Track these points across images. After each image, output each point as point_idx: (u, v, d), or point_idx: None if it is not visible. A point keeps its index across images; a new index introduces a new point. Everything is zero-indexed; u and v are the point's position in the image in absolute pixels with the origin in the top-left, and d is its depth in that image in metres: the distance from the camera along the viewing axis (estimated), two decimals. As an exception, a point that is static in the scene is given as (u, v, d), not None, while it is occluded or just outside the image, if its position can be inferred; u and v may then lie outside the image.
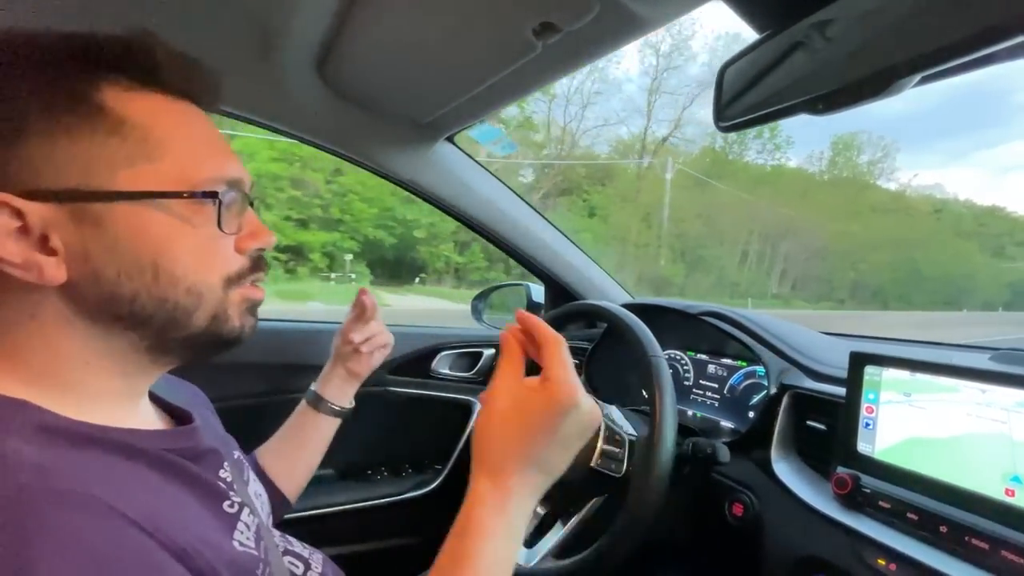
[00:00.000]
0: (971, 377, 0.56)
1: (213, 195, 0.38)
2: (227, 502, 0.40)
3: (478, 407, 1.14)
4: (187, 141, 0.38)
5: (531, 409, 0.41)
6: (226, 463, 0.44)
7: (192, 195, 0.37)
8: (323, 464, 0.75)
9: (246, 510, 0.41)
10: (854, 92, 0.43)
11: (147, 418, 0.42)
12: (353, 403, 0.77)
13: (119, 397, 0.39)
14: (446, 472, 1.14)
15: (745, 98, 0.51)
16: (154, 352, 0.39)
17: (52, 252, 0.34)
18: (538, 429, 0.41)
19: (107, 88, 0.35)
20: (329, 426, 0.74)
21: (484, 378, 1.21)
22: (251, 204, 0.43)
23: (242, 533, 0.40)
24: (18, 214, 0.33)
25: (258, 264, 0.43)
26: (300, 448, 0.72)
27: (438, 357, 1.19)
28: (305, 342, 1.06)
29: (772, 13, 0.49)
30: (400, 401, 1.15)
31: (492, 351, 1.24)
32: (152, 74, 0.37)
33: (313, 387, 0.76)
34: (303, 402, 0.75)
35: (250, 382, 0.98)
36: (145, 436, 0.38)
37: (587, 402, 0.42)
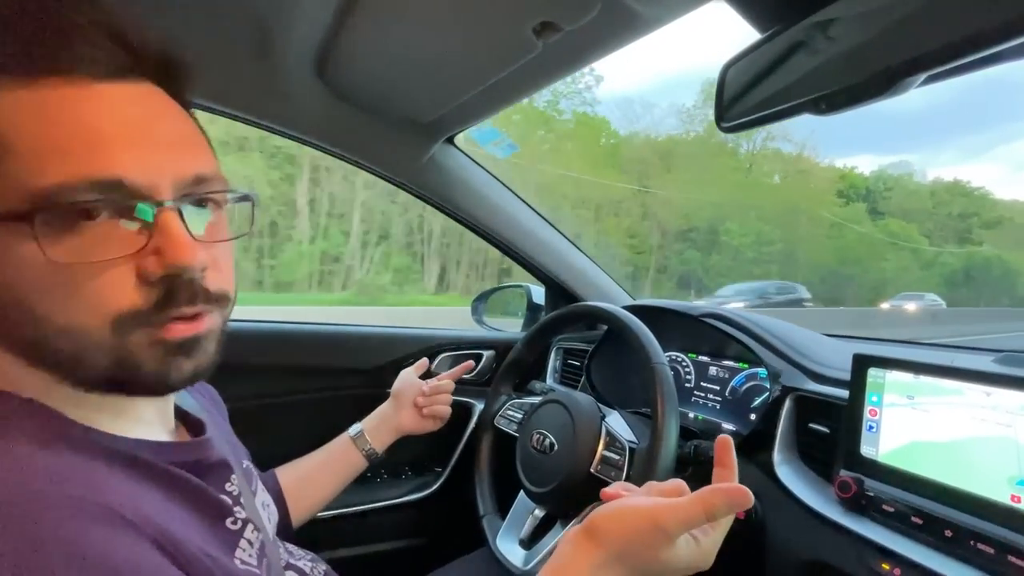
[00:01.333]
0: (975, 380, 0.56)
1: (23, 217, 0.28)
2: (231, 519, 0.39)
3: (478, 417, 1.14)
4: (34, 138, 0.29)
5: (663, 558, 0.39)
6: (234, 475, 0.43)
7: (16, 215, 0.28)
8: None
9: (250, 527, 0.40)
10: (857, 92, 0.43)
11: (158, 428, 0.40)
12: (384, 454, 0.77)
13: (126, 409, 0.37)
14: (446, 475, 1.13)
15: (747, 98, 0.51)
16: (92, 389, 0.34)
17: None
18: (650, 570, 0.39)
19: None
20: (358, 465, 0.74)
21: (485, 379, 1.21)
22: (180, 212, 0.33)
23: (244, 551, 0.39)
24: None
25: (168, 298, 0.32)
26: (325, 476, 0.72)
27: (439, 359, 1.19)
28: (320, 345, 1.06)
29: (774, 12, 0.49)
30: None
31: (492, 353, 1.23)
32: (23, 61, 0.30)
33: (360, 425, 0.77)
34: (345, 435, 0.75)
35: (263, 384, 0.98)
36: (152, 448, 0.36)
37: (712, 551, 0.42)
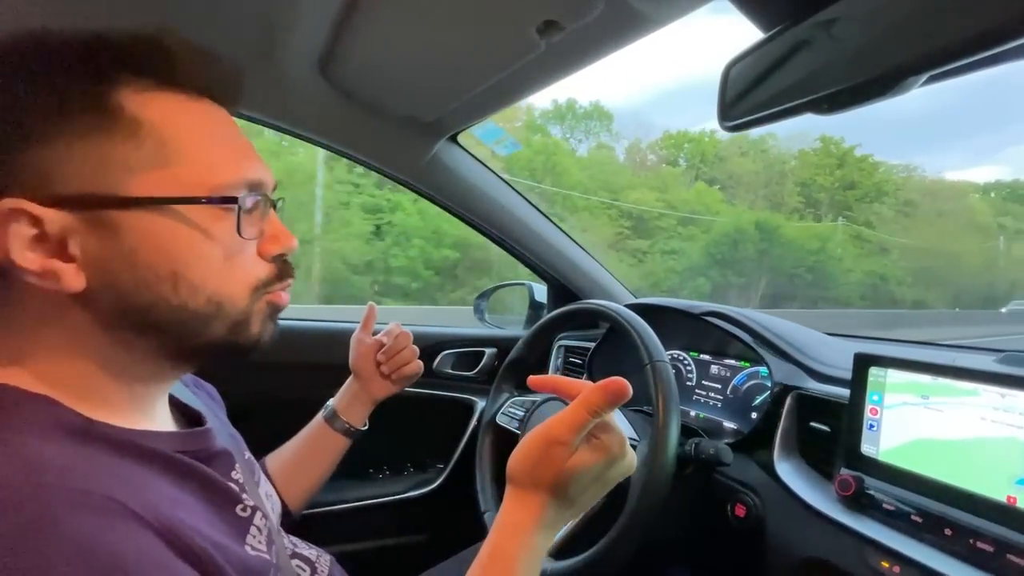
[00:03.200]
0: (977, 379, 0.56)
1: (232, 200, 0.37)
2: (240, 506, 0.40)
3: (480, 415, 1.14)
4: (205, 143, 0.37)
5: (587, 470, 0.41)
6: (237, 464, 0.44)
7: (210, 200, 0.36)
8: None
9: (258, 514, 0.41)
10: (860, 91, 0.43)
11: (162, 420, 0.42)
12: (367, 424, 0.74)
13: (136, 401, 0.39)
14: (448, 471, 1.14)
15: (749, 97, 0.51)
16: (172, 359, 0.39)
17: (70, 259, 0.33)
18: (585, 484, 0.42)
19: (123, 90, 0.34)
20: (340, 444, 0.72)
21: (486, 377, 1.21)
22: (274, 206, 0.42)
23: (254, 537, 0.39)
24: (35, 221, 0.32)
25: (284, 270, 0.42)
26: (309, 461, 0.70)
27: (440, 356, 1.19)
28: (322, 341, 1.07)
29: (777, 12, 0.49)
30: (402, 400, 1.15)
31: (494, 350, 1.24)
32: (169, 73, 0.36)
33: (331, 402, 0.74)
34: (319, 415, 0.73)
35: (265, 381, 0.98)
36: (159, 438, 0.37)
37: (631, 452, 0.45)
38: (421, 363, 0.76)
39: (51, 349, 0.35)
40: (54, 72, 0.33)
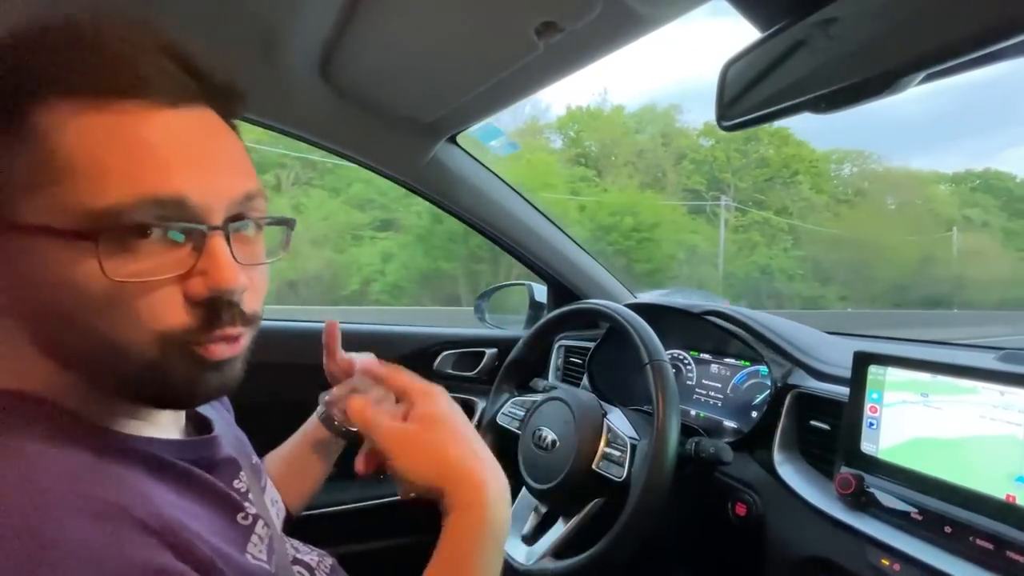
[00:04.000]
0: (978, 377, 0.56)
1: (93, 235, 0.29)
2: (241, 514, 0.39)
3: (480, 416, 1.14)
4: (100, 154, 0.29)
5: (435, 417, 0.44)
6: (242, 472, 0.43)
7: (62, 235, 0.29)
8: None
9: (260, 522, 0.41)
10: (857, 90, 0.43)
11: (166, 426, 0.40)
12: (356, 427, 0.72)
13: (139, 408, 0.37)
14: None
15: (748, 97, 0.51)
16: (112, 398, 0.35)
17: None
18: (454, 430, 0.45)
19: (46, 101, 0.30)
20: (336, 444, 0.68)
21: (487, 378, 1.21)
22: (227, 235, 0.33)
23: (255, 546, 0.39)
24: None
25: (212, 318, 0.33)
26: (305, 461, 0.68)
27: (441, 356, 1.19)
28: (320, 343, 1.06)
29: (774, 11, 0.49)
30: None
31: (494, 351, 1.24)
32: (65, 74, 0.30)
33: (326, 394, 0.69)
34: (313, 415, 0.70)
35: (270, 382, 0.98)
36: (163, 445, 0.37)
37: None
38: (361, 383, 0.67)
39: (42, 362, 0.33)
40: None
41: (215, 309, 0.33)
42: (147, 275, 0.31)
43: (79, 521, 0.27)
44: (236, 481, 0.42)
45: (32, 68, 0.30)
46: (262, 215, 0.37)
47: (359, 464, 0.51)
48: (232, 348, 0.35)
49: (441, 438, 0.44)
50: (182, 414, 0.44)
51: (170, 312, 0.32)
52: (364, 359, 0.59)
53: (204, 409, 0.47)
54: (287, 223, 0.40)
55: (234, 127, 0.38)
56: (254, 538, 0.39)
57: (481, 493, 0.42)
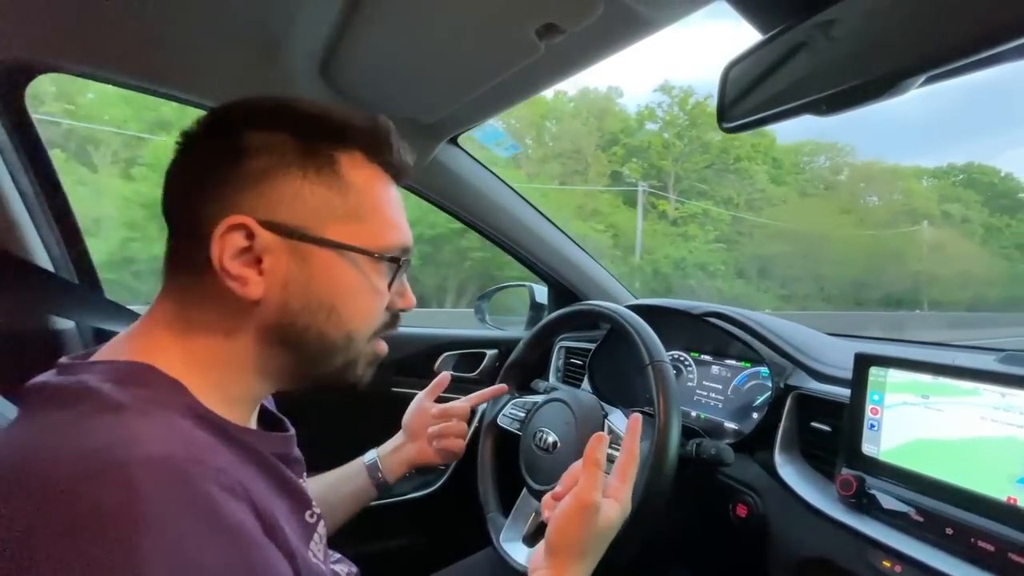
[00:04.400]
0: (979, 379, 0.56)
1: (395, 260, 0.45)
2: (309, 511, 0.43)
3: (481, 417, 1.15)
4: (385, 210, 0.45)
5: (613, 526, 0.53)
6: (304, 472, 0.48)
7: (381, 257, 0.43)
8: (325, 464, 0.75)
9: (322, 522, 0.44)
10: (859, 93, 0.43)
11: (254, 422, 0.46)
12: (394, 482, 0.76)
13: (246, 401, 0.43)
14: (449, 473, 1.14)
15: (749, 99, 0.51)
16: (294, 375, 0.44)
17: (261, 272, 0.39)
18: (601, 540, 0.52)
19: (346, 156, 0.42)
20: (370, 493, 0.74)
21: (488, 379, 1.21)
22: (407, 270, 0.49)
23: (316, 544, 0.42)
24: (250, 235, 0.39)
25: (394, 322, 0.49)
26: (338, 499, 0.71)
27: (442, 358, 1.19)
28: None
29: (776, 13, 0.49)
30: (403, 401, 1.15)
31: (495, 352, 1.24)
32: (380, 154, 0.45)
33: (375, 452, 0.76)
34: (360, 462, 0.75)
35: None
36: (257, 437, 0.42)
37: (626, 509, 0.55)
38: (463, 444, 0.79)
39: (209, 336, 0.40)
40: (305, 130, 0.41)
41: (396, 317, 0.49)
42: (393, 292, 0.46)
43: (220, 491, 0.31)
44: (302, 481, 0.46)
45: (354, 126, 0.43)
46: None
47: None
48: (386, 348, 0.49)
49: (601, 541, 0.52)
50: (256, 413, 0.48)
51: (382, 315, 0.46)
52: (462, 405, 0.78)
53: (273, 408, 0.52)
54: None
55: None
56: (316, 536, 0.43)
57: None
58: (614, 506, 0.52)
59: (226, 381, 0.41)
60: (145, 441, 0.31)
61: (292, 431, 0.49)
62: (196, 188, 0.40)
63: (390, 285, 0.45)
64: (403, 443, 0.76)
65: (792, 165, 24.49)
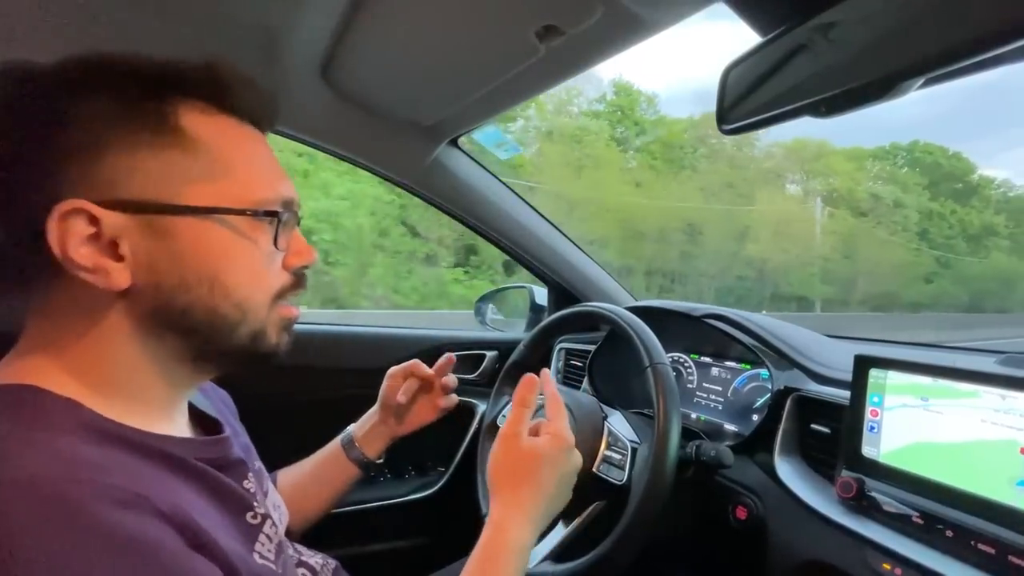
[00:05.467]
0: (979, 381, 0.56)
1: (274, 214, 0.40)
2: (251, 513, 0.41)
3: (481, 418, 1.15)
4: (250, 162, 0.40)
5: (543, 454, 0.53)
6: (250, 473, 0.45)
7: (255, 213, 0.39)
8: None
9: (268, 522, 0.42)
10: (858, 95, 0.43)
11: (181, 426, 0.43)
12: (382, 458, 0.73)
13: (160, 404, 0.40)
14: (449, 474, 1.14)
15: (748, 101, 0.51)
16: (197, 362, 0.41)
17: (119, 258, 0.35)
18: (548, 470, 0.53)
19: (184, 110, 0.38)
20: (352, 473, 0.70)
21: (487, 380, 1.21)
22: (298, 223, 0.45)
23: (263, 545, 0.40)
24: (93, 220, 0.34)
25: (299, 281, 0.45)
26: (318, 484, 0.69)
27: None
28: (323, 346, 1.07)
29: (775, 16, 0.49)
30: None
31: (495, 353, 1.24)
32: (225, 99, 0.40)
33: (351, 428, 0.72)
34: (336, 440, 0.71)
35: (268, 384, 0.98)
36: (179, 444, 0.39)
37: (576, 452, 0.57)
38: (432, 409, 0.74)
39: (86, 344, 0.37)
40: (123, 91, 0.36)
41: (300, 276, 0.45)
42: (284, 248, 0.42)
43: (113, 510, 0.29)
44: (245, 482, 0.43)
45: (185, 73, 0.38)
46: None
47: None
48: (299, 310, 0.45)
49: (531, 468, 0.52)
50: (187, 414, 0.45)
51: (280, 276, 0.43)
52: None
53: (210, 411, 0.49)
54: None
55: None
56: (262, 537, 0.41)
57: (508, 539, 0.49)
58: (548, 439, 0.54)
59: (126, 387, 0.38)
60: (12, 466, 0.29)
61: (225, 433, 0.46)
62: (18, 175, 0.34)
63: (276, 242, 0.41)
64: (379, 416, 0.72)
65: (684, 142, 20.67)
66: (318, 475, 0.69)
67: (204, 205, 0.37)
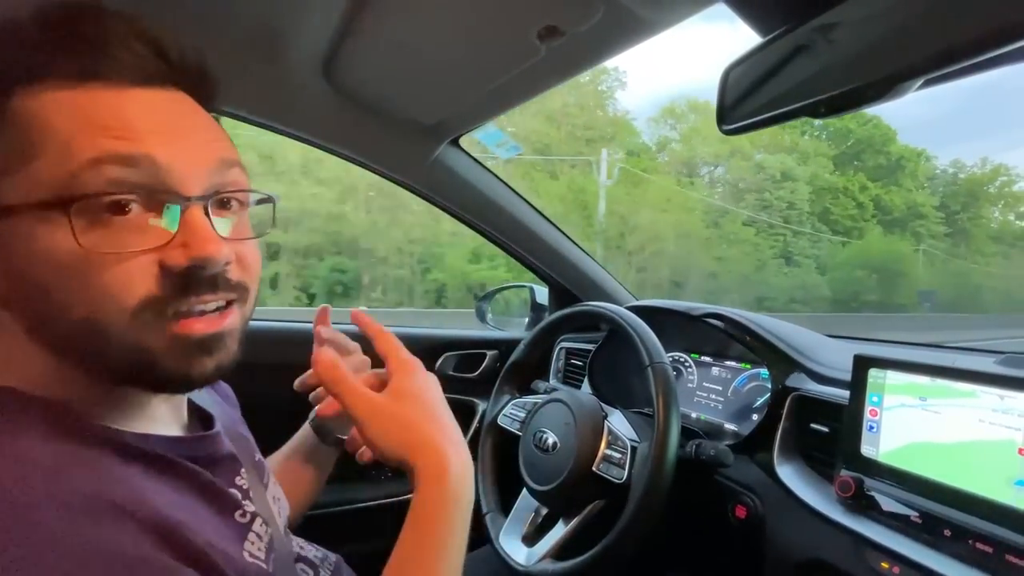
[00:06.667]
0: (979, 381, 0.56)
1: (68, 202, 0.29)
2: (239, 511, 0.39)
3: (481, 417, 1.15)
4: (69, 124, 0.30)
5: (407, 392, 0.43)
6: (243, 469, 0.43)
7: (42, 206, 0.30)
8: None
9: (259, 520, 0.41)
10: (857, 96, 0.43)
11: (165, 422, 0.41)
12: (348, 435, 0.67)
13: (136, 403, 0.37)
14: None
15: (748, 101, 0.51)
16: (99, 381, 0.35)
17: None
18: (424, 405, 0.43)
19: (30, 92, 0.31)
20: (330, 451, 0.66)
21: (488, 379, 1.21)
22: (206, 208, 0.34)
23: (253, 544, 0.39)
24: None
25: (188, 286, 0.33)
26: (301, 467, 0.66)
27: (442, 358, 1.19)
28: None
29: (776, 16, 0.49)
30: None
31: (495, 352, 1.24)
32: (78, 70, 0.31)
33: (316, 409, 0.66)
34: (307, 423, 0.67)
35: (270, 382, 0.98)
36: (161, 442, 0.37)
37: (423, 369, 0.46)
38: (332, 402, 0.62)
39: (38, 354, 0.33)
40: None
41: (189, 278, 0.33)
42: (120, 247, 0.31)
43: (71, 519, 0.27)
44: (238, 478, 0.42)
45: (8, 57, 0.31)
46: (242, 188, 0.38)
47: (362, 452, 0.55)
48: (213, 323, 0.34)
49: (410, 412, 0.43)
50: (183, 410, 0.44)
51: (140, 282, 0.31)
52: (357, 311, 0.55)
53: (207, 404, 0.47)
54: (269, 200, 0.41)
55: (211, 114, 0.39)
56: (251, 536, 0.39)
57: (444, 468, 0.41)
58: (394, 371, 0.45)
59: (86, 389, 0.34)
60: None
61: (217, 429, 0.43)
62: None
63: (77, 237, 0.30)
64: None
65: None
66: (298, 458, 0.66)
67: (7, 202, 0.30)
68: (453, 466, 0.41)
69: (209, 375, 0.35)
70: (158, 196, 0.32)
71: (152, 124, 0.32)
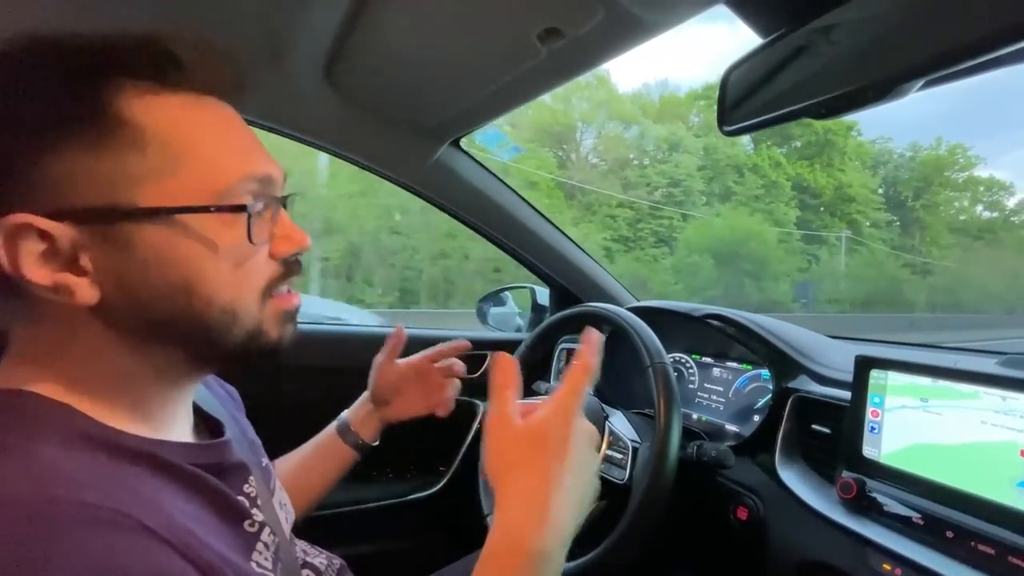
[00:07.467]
0: (980, 382, 0.56)
1: (241, 208, 0.35)
2: (248, 521, 0.39)
3: (481, 418, 1.15)
4: (209, 143, 0.35)
5: (544, 432, 0.40)
6: (252, 476, 0.43)
7: (219, 209, 0.34)
8: None
9: (267, 530, 0.41)
10: (857, 96, 0.43)
11: (180, 429, 0.41)
12: (378, 441, 0.72)
13: (157, 409, 0.38)
14: (451, 474, 1.14)
15: (749, 102, 0.51)
16: (193, 364, 0.39)
17: (83, 272, 0.32)
18: (555, 450, 0.40)
19: (123, 95, 0.33)
20: (349, 457, 0.69)
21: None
22: (284, 204, 0.40)
23: (260, 554, 0.39)
24: (44, 236, 0.31)
25: (291, 268, 0.41)
26: (316, 471, 0.68)
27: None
28: (324, 345, 1.07)
29: (776, 18, 0.50)
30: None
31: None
32: (171, 75, 0.35)
33: (345, 414, 0.72)
34: (331, 426, 0.70)
35: (283, 382, 0.98)
36: (174, 449, 0.37)
37: (592, 427, 0.43)
38: (449, 398, 0.75)
39: (73, 356, 0.34)
40: (52, 80, 0.32)
41: (292, 262, 0.41)
42: (265, 239, 0.38)
43: (89, 529, 0.27)
44: (246, 486, 0.42)
45: (131, 64, 0.34)
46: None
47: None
48: (297, 297, 0.42)
49: (527, 455, 0.40)
50: (191, 414, 0.44)
51: (265, 269, 0.39)
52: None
53: (215, 409, 0.48)
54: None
55: None
56: (259, 546, 0.39)
57: (520, 546, 0.38)
58: (547, 412, 0.41)
59: (117, 393, 0.36)
60: None
61: (226, 435, 0.44)
62: None
63: (251, 236, 0.36)
64: (370, 405, 0.71)
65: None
66: (315, 461, 0.69)
67: (158, 206, 0.33)
68: (530, 551, 0.37)
69: (292, 339, 0.41)
70: (271, 201, 0.39)
71: (251, 140, 0.39)
